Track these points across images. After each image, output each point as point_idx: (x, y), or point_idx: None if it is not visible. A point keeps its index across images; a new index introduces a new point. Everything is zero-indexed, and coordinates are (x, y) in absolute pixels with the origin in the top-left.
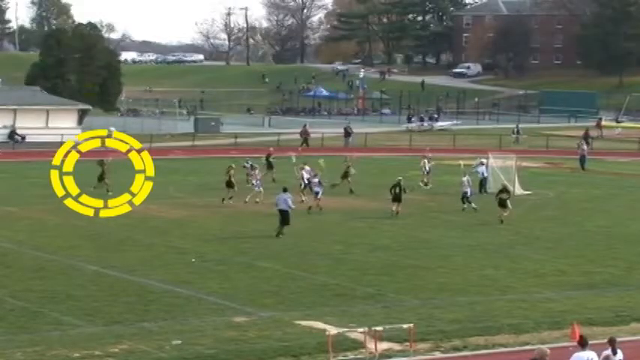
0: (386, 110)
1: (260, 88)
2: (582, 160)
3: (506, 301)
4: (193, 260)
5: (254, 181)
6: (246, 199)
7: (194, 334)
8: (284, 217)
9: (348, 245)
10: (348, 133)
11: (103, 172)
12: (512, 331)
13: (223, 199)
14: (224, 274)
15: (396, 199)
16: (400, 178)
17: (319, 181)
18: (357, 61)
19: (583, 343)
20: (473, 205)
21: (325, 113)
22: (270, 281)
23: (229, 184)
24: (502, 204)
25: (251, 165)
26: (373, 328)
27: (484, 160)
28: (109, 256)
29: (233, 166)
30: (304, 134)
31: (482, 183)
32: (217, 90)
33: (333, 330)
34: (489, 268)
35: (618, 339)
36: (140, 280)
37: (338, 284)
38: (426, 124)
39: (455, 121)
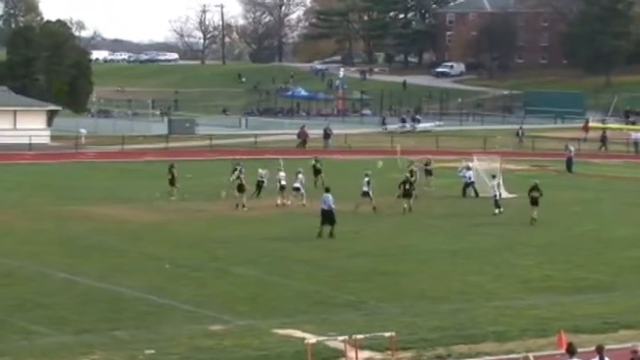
0: (366, 111)
1: (236, 88)
2: (569, 162)
3: (491, 307)
4: (167, 266)
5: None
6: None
7: (168, 343)
8: (327, 216)
9: (327, 251)
10: (327, 135)
11: (173, 177)
12: (496, 339)
13: (237, 205)
14: (199, 281)
15: (406, 194)
16: (407, 175)
17: (368, 182)
18: (336, 59)
19: (571, 352)
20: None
21: (304, 114)
22: (247, 288)
23: (240, 188)
24: (534, 202)
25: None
26: (354, 336)
27: (470, 164)
28: (79, 262)
29: (243, 170)
30: (302, 135)
31: (466, 187)
32: (192, 90)
33: (312, 339)
34: (473, 274)
35: (606, 347)
36: (112, 287)
37: (317, 291)
38: (407, 125)
39: (438, 123)
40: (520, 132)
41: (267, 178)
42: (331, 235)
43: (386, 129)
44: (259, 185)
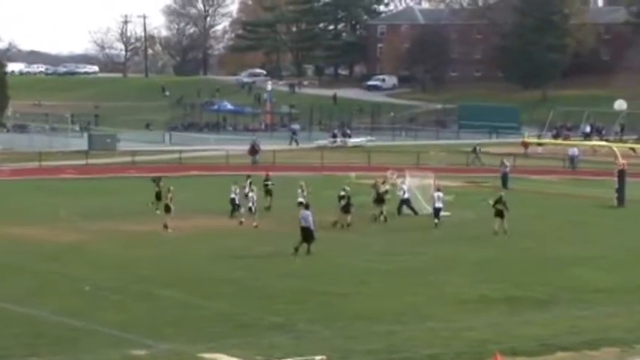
0: (295, 125)
1: (160, 101)
2: (504, 178)
3: (426, 329)
4: (87, 289)
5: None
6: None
7: None
8: (308, 234)
9: (254, 271)
10: (254, 151)
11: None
12: None
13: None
14: (121, 304)
15: (345, 210)
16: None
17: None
18: (256, 72)
19: None
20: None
21: (230, 129)
22: (171, 311)
23: (167, 209)
24: (499, 214)
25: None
26: None
27: (399, 180)
28: None
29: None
30: (254, 151)
31: (401, 204)
32: (113, 104)
33: None
34: (408, 294)
35: None
36: (28, 310)
37: (243, 313)
38: (339, 140)
39: (370, 138)
40: (477, 149)
41: (239, 196)
42: (308, 252)
43: (336, 142)
44: (233, 203)
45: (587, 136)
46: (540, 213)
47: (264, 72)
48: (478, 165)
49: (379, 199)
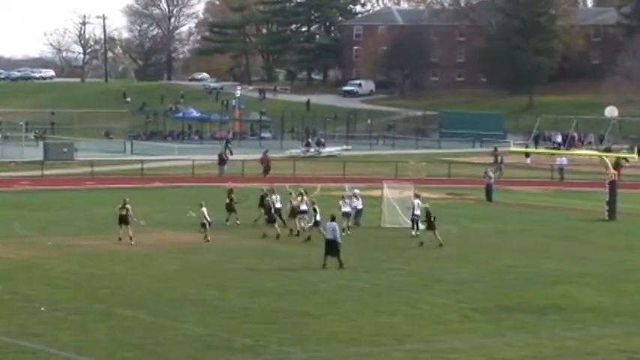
0: (266, 134)
1: (120, 108)
2: (488, 190)
3: (405, 351)
4: (43, 309)
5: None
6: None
7: None
8: (333, 247)
9: (223, 290)
10: (223, 160)
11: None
12: None
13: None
14: (79, 325)
15: (270, 220)
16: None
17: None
18: (205, 77)
19: None
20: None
21: (196, 137)
22: (133, 332)
23: (124, 220)
24: (430, 227)
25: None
26: None
27: (357, 191)
28: None
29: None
30: (265, 162)
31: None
32: (70, 111)
33: None
34: (385, 314)
35: None
36: None
37: (212, 334)
38: (312, 149)
39: (345, 147)
40: (499, 159)
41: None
42: (341, 265)
43: (309, 151)
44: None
45: (558, 146)
46: (526, 227)
47: (208, 75)
48: (500, 176)
49: (293, 214)
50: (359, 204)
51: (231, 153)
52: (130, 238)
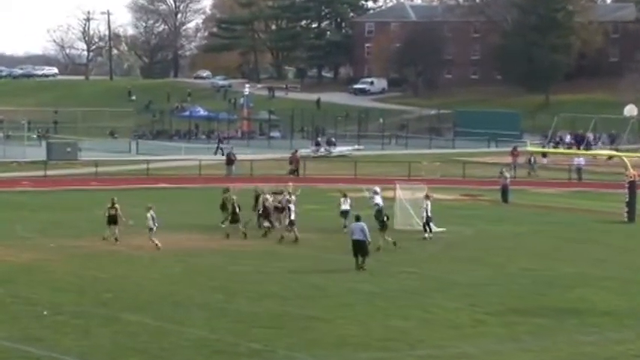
0: (275, 133)
1: (125, 107)
2: (504, 191)
3: (416, 357)
4: (45, 313)
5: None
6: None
7: None
8: (360, 247)
9: (229, 293)
10: (230, 160)
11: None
12: None
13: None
14: (82, 329)
15: (233, 221)
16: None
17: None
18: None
19: None
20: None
21: (203, 137)
22: (137, 337)
23: (113, 220)
24: (382, 227)
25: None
26: None
27: (377, 188)
28: None
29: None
30: (294, 161)
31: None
32: (74, 109)
33: None
34: (396, 318)
35: None
36: None
37: (218, 339)
38: (322, 149)
39: (356, 146)
40: (532, 160)
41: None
42: (362, 267)
43: (319, 151)
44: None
45: (569, 146)
46: (541, 229)
47: (210, 74)
48: (534, 177)
49: (266, 214)
50: (380, 201)
51: (223, 154)
52: (116, 239)
